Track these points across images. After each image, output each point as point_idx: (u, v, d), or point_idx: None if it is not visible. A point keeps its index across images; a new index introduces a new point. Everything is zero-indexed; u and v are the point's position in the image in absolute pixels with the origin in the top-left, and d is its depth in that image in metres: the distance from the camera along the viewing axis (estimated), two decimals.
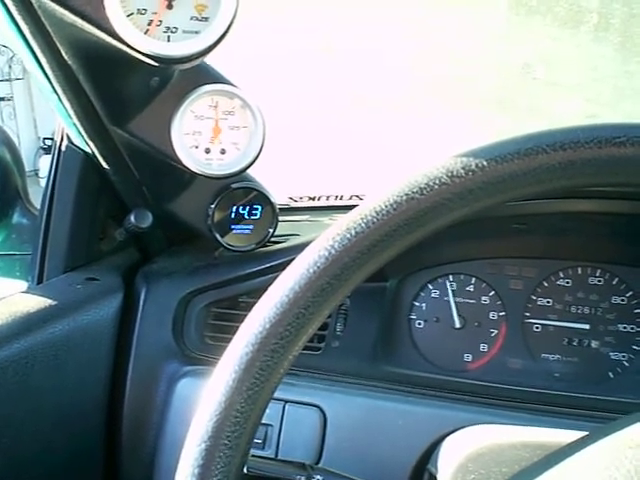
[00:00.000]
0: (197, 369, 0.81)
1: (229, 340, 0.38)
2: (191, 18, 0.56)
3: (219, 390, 0.36)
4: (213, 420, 0.36)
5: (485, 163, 0.37)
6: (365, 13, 5.63)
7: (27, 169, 0.97)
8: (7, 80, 4.92)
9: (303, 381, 0.78)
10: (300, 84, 5.02)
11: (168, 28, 0.56)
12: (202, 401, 0.37)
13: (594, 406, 0.74)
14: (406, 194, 0.37)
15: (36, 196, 0.90)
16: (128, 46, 0.55)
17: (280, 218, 0.87)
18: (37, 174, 4.56)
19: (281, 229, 0.89)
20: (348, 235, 0.37)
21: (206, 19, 0.56)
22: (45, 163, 4.49)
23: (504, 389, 0.78)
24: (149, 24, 0.55)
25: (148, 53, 0.55)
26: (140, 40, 0.54)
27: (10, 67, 4.87)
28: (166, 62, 0.57)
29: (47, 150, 4.79)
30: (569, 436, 0.43)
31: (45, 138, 5.01)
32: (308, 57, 5.37)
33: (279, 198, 0.90)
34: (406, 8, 5.65)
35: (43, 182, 0.84)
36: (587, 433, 0.40)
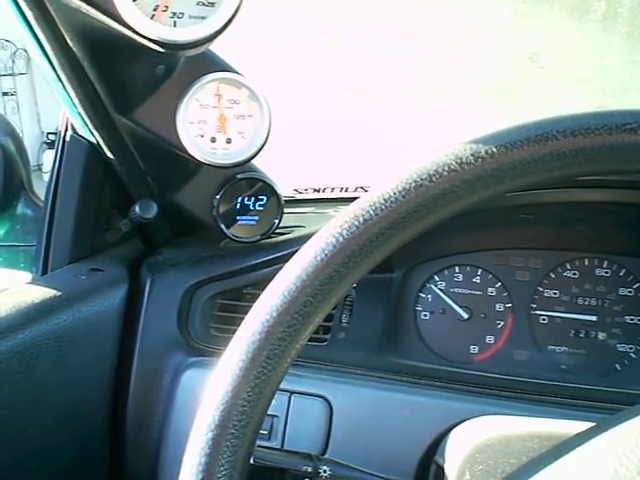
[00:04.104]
0: (202, 360, 0.81)
1: (234, 331, 0.37)
2: (197, 3, 0.56)
3: (226, 379, 0.36)
4: (220, 409, 0.36)
5: (494, 150, 0.36)
6: (371, 12, 5.62)
7: (31, 163, 0.97)
8: (10, 75, 4.91)
9: (309, 372, 0.78)
10: (306, 78, 5.01)
11: (174, 13, 0.55)
12: (208, 390, 0.37)
13: (601, 398, 0.74)
14: (414, 181, 0.36)
15: (40, 190, 0.90)
16: (134, 31, 0.55)
17: (285, 210, 0.87)
18: (40, 169, 4.55)
19: (286, 221, 0.88)
20: (356, 223, 0.36)
21: (212, 4, 0.56)
22: (48, 158, 4.47)
23: (510, 380, 0.78)
24: (155, 9, 0.54)
25: (154, 38, 0.55)
26: (146, 25, 0.54)
27: (13, 62, 4.86)
28: (172, 48, 0.56)
29: (50, 145, 4.78)
30: (577, 427, 0.43)
31: (49, 133, 5.00)
32: (314, 53, 5.37)
33: (284, 190, 0.90)
34: (413, 7, 5.63)
35: (47, 176, 0.83)
36: (595, 424, 0.39)
